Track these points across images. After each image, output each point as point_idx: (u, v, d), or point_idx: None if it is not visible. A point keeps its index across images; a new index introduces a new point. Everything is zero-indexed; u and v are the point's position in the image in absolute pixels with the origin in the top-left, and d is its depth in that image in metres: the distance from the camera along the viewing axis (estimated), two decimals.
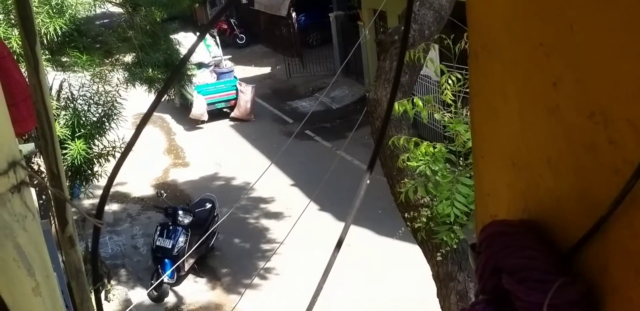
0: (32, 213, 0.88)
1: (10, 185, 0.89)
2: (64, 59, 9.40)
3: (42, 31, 8.46)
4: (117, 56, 10.40)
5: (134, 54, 10.19)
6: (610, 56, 0.74)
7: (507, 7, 0.88)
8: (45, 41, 8.69)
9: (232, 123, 17.64)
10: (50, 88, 9.88)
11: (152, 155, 15.13)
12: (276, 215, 12.44)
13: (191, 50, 1.07)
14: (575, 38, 0.77)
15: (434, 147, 4.22)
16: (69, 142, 8.53)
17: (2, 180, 0.88)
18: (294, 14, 21.07)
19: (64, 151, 8.54)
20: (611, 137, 0.76)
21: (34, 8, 8.42)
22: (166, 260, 10.30)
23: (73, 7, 8.89)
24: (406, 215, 5.04)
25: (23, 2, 0.94)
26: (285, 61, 21.01)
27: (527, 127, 0.87)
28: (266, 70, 22.09)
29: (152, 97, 10.58)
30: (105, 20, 12.61)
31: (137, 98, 10.53)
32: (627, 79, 0.73)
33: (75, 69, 9.42)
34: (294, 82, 20.33)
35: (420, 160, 4.18)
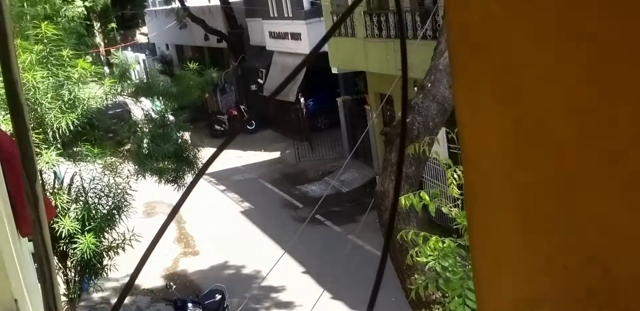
0: None
1: None
2: (76, 149, 9.51)
3: (55, 126, 8.60)
4: (128, 147, 10.55)
5: (145, 145, 10.33)
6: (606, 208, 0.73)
7: (500, 141, 0.88)
8: (57, 135, 8.81)
9: None
10: (62, 182, 9.97)
11: (162, 244, 15.04)
12: (287, 305, 12.19)
13: (210, 161, 1.06)
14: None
15: (443, 242, 4.17)
16: (79, 236, 8.48)
17: None
18: (302, 99, 21.50)
19: (74, 246, 8.50)
20: (611, 286, 0.74)
21: (47, 103, 8.61)
22: None
23: (85, 102, 9.07)
24: None
25: (25, 144, 0.95)
26: (294, 145, 21.25)
27: (525, 268, 0.85)
28: (276, 154, 22.30)
29: (162, 187, 10.65)
30: (117, 110, 12.90)
31: (147, 188, 10.59)
32: (624, 229, 0.72)
33: (87, 160, 9.52)
34: (304, 166, 20.46)
35: (430, 255, 4.13)
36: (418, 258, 4.27)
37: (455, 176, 4.20)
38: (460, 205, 4.32)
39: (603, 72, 0.70)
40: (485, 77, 0.85)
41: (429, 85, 5.70)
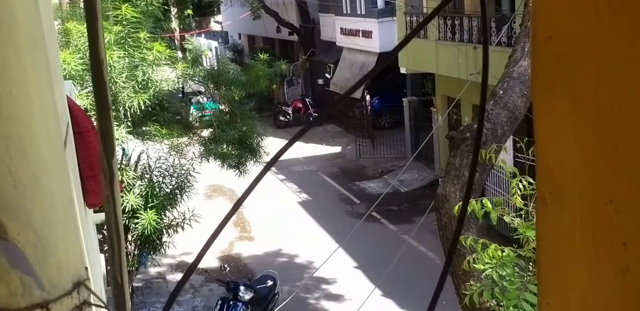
0: None
1: (73, 305, 0.92)
2: (145, 128, 9.75)
3: (127, 104, 8.82)
4: (195, 131, 10.77)
5: (210, 130, 10.53)
6: None
7: (578, 158, 0.87)
8: (128, 114, 9.05)
9: None
10: (129, 159, 10.25)
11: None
12: (337, 298, 12.24)
13: (279, 154, 1.09)
14: None
15: (502, 251, 4.12)
16: (141, 212, 8.71)
17: (66, 301, 0.91)
18: (367, 97, 21.47)
19: (136, 220, 8.73)
20: None
21: (121, 83, 8.84)
22: None
23: (157, 84, 9.27)
24: None
25: (105, 121, 0.99)
26: (356, 141, 21.27)
27: (595, 282, 0.85)
28: (337, 149, 22.35)
29: (224, 171, 10.83)
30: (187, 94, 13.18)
31: (210, 171, 10.78)
32: None
33: (155, 139, 9.76)
34: (364, 162, 20.45)
35: (487, 263, 4.08)
36: (475, 265, 4.23)
37: (520, 186, 4.14)
38: (523, 216, 4.25)
39: None
40: (567, 89, 0.85)
41: (501, 92, 5.62)
